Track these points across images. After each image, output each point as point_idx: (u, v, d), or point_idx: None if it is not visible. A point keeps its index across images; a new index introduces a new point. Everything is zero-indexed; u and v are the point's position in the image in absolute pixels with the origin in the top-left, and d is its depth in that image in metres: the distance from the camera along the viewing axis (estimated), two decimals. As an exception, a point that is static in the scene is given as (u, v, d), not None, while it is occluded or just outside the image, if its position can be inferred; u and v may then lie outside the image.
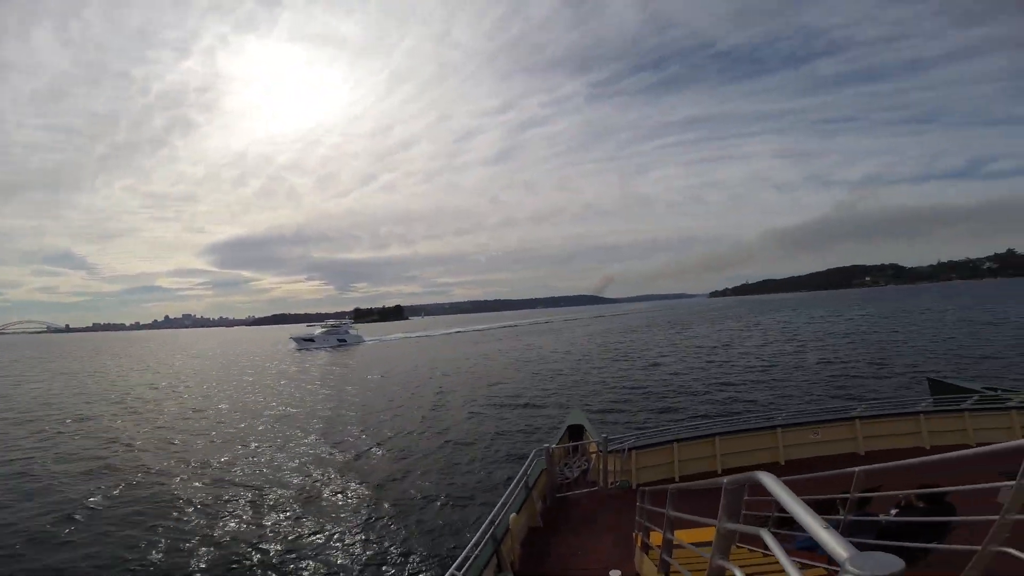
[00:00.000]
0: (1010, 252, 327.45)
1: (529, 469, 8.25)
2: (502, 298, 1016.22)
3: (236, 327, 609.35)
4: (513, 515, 6.86)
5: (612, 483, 9.41)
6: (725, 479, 2.54)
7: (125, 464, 17.55)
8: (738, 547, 4.75)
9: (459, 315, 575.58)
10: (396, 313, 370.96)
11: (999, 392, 12.00)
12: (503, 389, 30.02)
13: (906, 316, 67.70)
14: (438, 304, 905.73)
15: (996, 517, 2.93)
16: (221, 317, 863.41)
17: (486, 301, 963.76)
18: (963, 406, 11.07)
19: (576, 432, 11.83)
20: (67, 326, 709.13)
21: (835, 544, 1.28)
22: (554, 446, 9.68)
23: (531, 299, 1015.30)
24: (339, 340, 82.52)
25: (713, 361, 37.24)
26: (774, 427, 10.57)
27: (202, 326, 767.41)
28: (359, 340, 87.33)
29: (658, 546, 4.40)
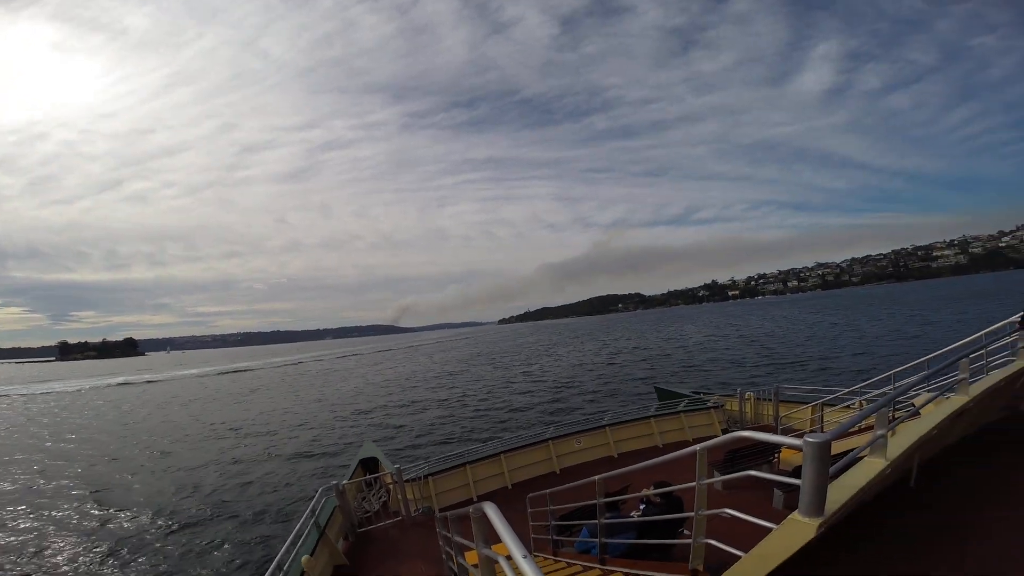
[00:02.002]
0: (714, 282, 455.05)
1: (318, 508, 7.85)
2: (283, 329, 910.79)
3: None
4: (305, 556, 6.53)
5: (415, 511, 9.53)
6: (471, 508, 2.84)
7: None
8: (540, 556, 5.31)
9: (224, 349, 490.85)
10: (126, 348, 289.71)
11: (701, 394, 14.72)
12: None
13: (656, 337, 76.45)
14: (196, 337, 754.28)
15: (692, 513, 3.61)
16: None
17: (261, 333, 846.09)
18: (678, 408, 13.22)
19: (371, 465, 11.48)
20: None
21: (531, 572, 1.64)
22: (346, 482, 9.30)
23: (318, 330, 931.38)
24: None
25: (496, 383, 38.91)
26: (547, 440, 11.70)
27: None
28: None
29: (462, 566, 4.76)
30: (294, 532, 6.72)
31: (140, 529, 14.13)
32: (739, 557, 2.81)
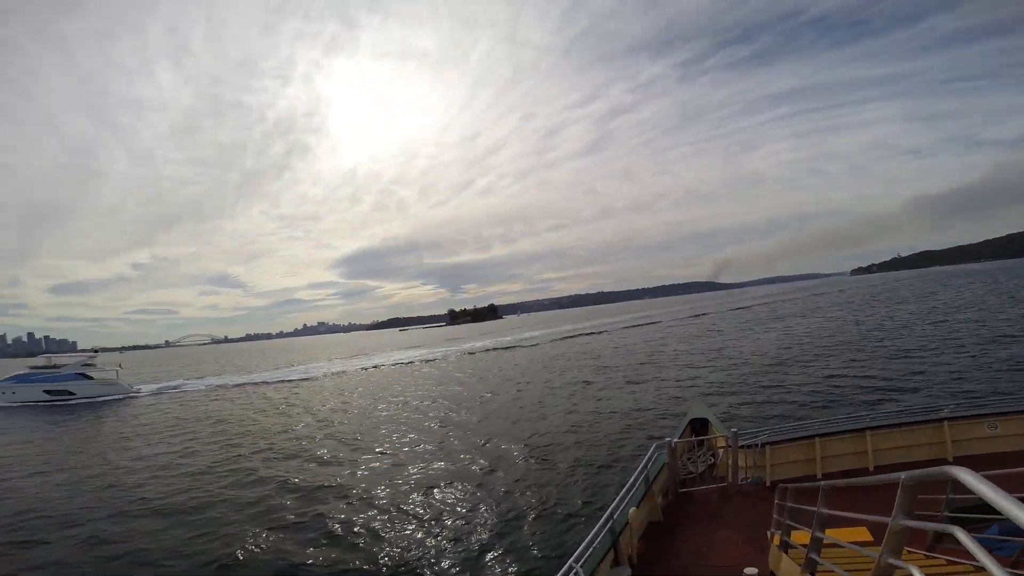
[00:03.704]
0: None
1: (649, 464, 7.97)
2: (605, 290, 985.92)
3: (356, 332, 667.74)
4: (632, 509, 6.68)
5: (743, 479, 8.98)
6: (903, 474, 2.51)
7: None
8: (907, 551, 4.53)
9: (558, 311, 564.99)
10: (490, 313, 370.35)
11: None
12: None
13: None
14: (539, 300, 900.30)
15: None
16: (350, 323, 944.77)
17: (588, 294, 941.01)
18: None
19: (699, 426, 11.01)
20: (225, 337, 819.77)
21: None
22: (676, 440, 9.08)
23: (637, 289, 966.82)
24: (49, 393, 42.80)
25: (868, 345, 32.01)
26: (940, 420, 9.59)
27: (333, 332, 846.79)
28: (109, 392, 44.21)
29: (803, 545, 4.31)
30: (627, 485, 6.99)
31: (476, 473, 15.12)
32: None
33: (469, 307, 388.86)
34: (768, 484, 8.49)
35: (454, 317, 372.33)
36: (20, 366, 48.98)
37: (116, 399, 43.13)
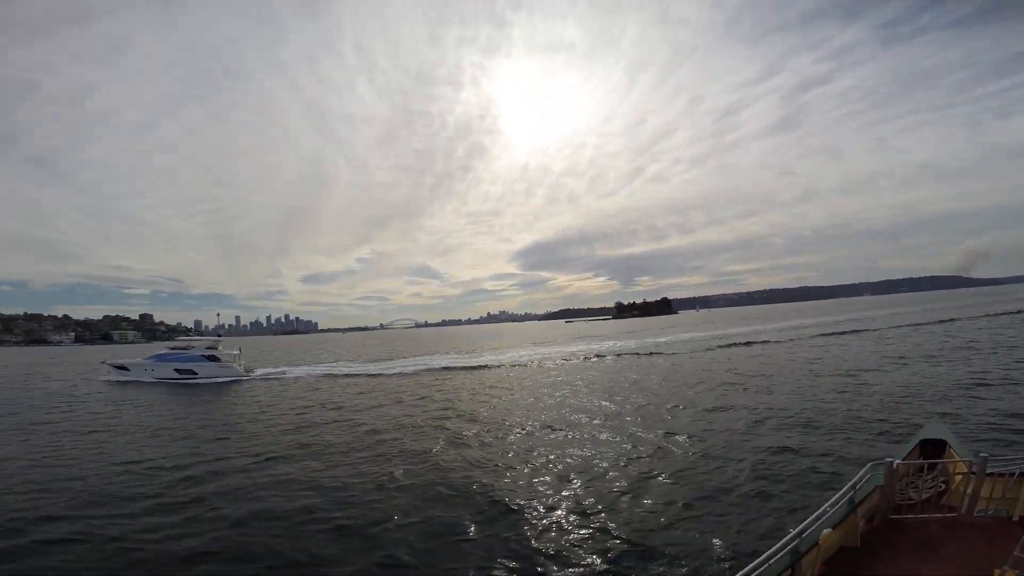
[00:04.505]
0: None
1: (859, 484, 7.11)
2: (811, 284, 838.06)
3: (529, 321, 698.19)
4: (827, 530, 6.11)
5: (980, 511, 7.69)
6: None
7: None
8: None
9: (746, 308, 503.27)
10: (662, 307, 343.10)
11: None
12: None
13: None
14: (726, 295, 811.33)
15: None
16: (526, 313, 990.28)
17: (787, 289, 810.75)
18: None
19: (931, 448, 9.62)
20: (425, 322, 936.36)
21: None
22: (899, 461, 7.96)
23: (853, 284, 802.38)
24: (180, 372, 48.72)
25: None
26: None
27: (511, 320, 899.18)
28: (226, 374, 48.73)
29: None
30: (827, 503, 6.46)
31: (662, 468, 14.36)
32: None
33: (641, 300, 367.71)
34: (1016, 519, 7.17)
35: (620, 311, 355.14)
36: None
37: (232, 380, 47.18)
